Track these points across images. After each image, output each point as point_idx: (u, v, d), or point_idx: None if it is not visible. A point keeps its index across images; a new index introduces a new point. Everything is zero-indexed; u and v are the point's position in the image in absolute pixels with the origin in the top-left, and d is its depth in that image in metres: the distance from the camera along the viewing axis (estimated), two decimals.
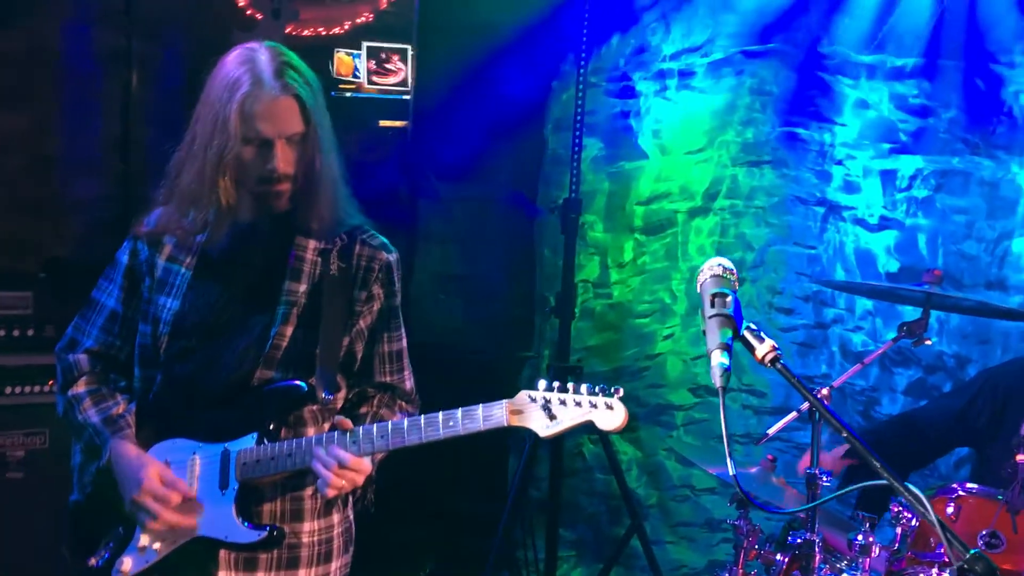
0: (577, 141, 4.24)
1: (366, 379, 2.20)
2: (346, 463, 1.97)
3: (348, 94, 4.77)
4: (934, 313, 4.24)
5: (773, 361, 1.44)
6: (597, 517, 4.77)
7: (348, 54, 4.53)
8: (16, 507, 3.56)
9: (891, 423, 3.72)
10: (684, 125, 4.56)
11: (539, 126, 4.74)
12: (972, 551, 1.22)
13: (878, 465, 1.29)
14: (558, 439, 4.32)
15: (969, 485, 2.80)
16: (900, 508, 2.79)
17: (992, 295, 4.15)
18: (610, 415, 1.90)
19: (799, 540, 2.70)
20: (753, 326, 1.48)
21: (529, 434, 1.95)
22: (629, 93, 4.67)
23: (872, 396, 4.33)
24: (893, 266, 4.24)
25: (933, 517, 1.24)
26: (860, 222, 4.32)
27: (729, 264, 1.58)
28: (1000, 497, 2.69)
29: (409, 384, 2.26)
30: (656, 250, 4.67)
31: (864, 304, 4.31)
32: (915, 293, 2.86)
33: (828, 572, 2.71)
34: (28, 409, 3.65)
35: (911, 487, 1.29)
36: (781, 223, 4.50)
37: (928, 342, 2.81)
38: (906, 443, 3.41)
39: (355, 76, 4.55)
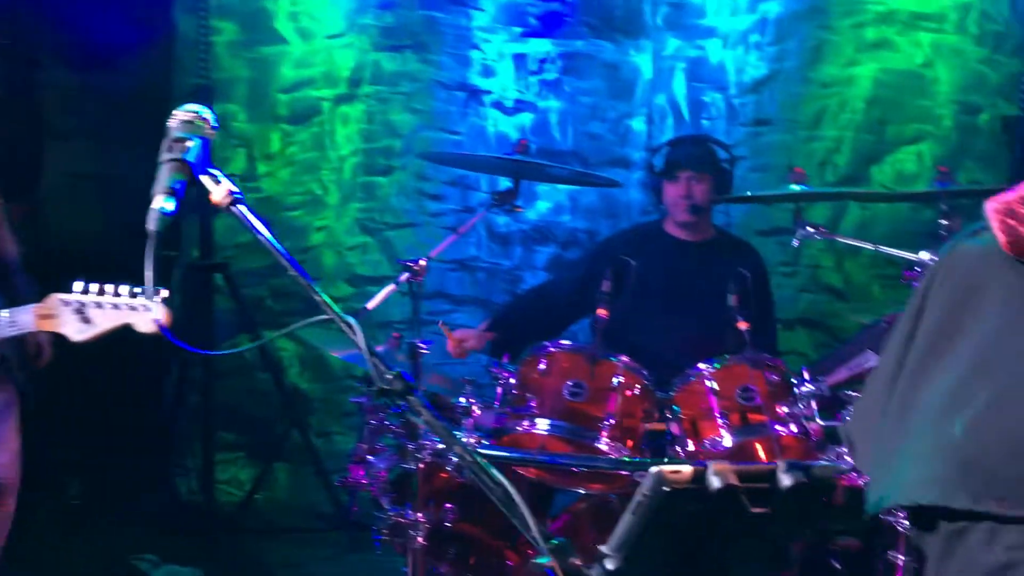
0: (204, 23, 4.01)
1: None
2: None
3: None
4: (567, 190, 4.49)
5: (230, 205, 1.42)
6: (261, 416, 4.70)
7: None
8: None
9: (525, 296, 3.89)
10: (322, 8, 4.41)
11: (167, 7, 4.40)
12: (394, 371, 1.26)
13: (319, 299, 1.31)
14: (209, 341, 4.22)
15: (563, 342, 2.96)
16: (499, 369, 2.92)
17: (617, 172, 4.43)
18: (149, 316, 1.89)
19: (400, 410, 2.76)
20: (215, 172, 1.44)
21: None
22: None
23: (517, 274, 4.53)
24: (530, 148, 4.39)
25: (363, 344, 1.26)
26: (498, 105, 4.43)
27: (207, 113, 1.52)
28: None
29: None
30: (304, 140, 4.54)
31: (506, 185, 4.44)
32: (505, 163, 2.96)
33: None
34: None
35: (346, 316, 1.31)
36: (426, 109, 4.51)
37: (519, 210, 2.92)
38: (540, 313, 3.57)
39: None
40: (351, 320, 1.31)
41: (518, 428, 2.84)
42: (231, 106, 4.46)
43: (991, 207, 1.32)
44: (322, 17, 4.42)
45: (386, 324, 4.61)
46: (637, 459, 2.77)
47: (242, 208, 1.41)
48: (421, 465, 2.75)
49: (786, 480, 1.02)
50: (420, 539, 2.70)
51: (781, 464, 1.05)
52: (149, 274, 1.36)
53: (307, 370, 4.74)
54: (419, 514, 2.71)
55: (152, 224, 1.38)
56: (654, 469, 1.01)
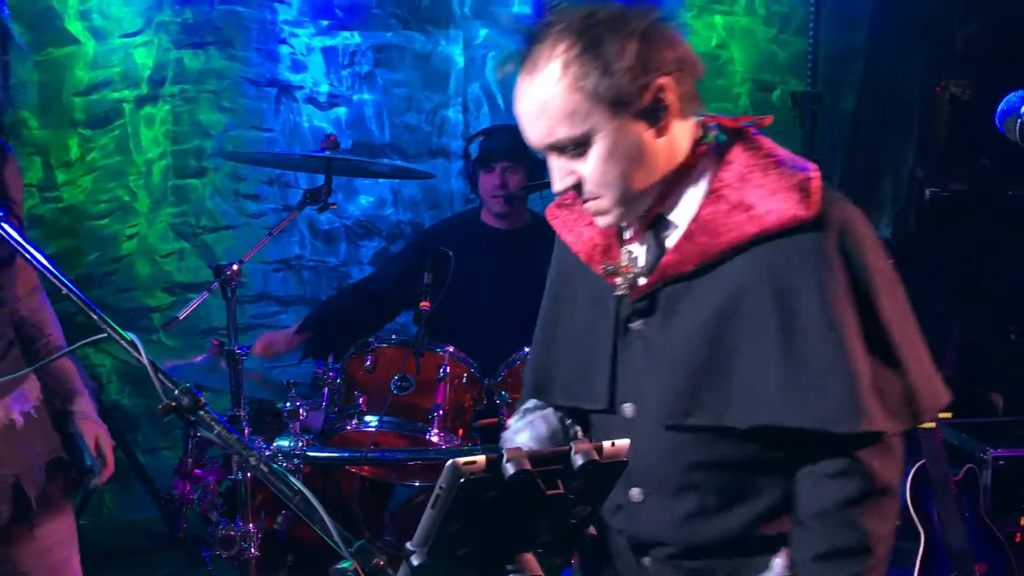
0: None
1: None
2: None
3: None
4: (388, 183, 4.46)
5: None
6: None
7: None
8: None
9: (344, 293, 3.83)
10: (115, 5, 4.19)
11: None
12: (182, 385, 1.22)
13: (96, 316, 1.25)
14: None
15: (392, 336, 2.95)
16: (324, 370, 2.88)
17: (437, 162, 4.44)
18: None
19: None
20: None
21: None
22: None
23: (343, 271, 4.47)
24: (347, 143, 4.34)
25: (145, 360, 1.21)
26: (311, 100, 4.34)
27: None
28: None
29: None
30: (106, 145, 4.31)
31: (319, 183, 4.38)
32: (312, 160, 2.91)
33: (261, 443, 2.73)
34: None
35: (128, 334, 1.26)
36: (236, 107, 4.37)
37: (333, 206, 2.87)
38: (360, 309, 3.51)
39: None
40: (132, 336, 1.25)
41: (348, 427, 2.82)
42: (21, 112, 4.17)
43: None
44: (115, 15, 4.20)
45: (212, 331, 4.46)
46: (468, 447, 2.81)
47: (4, 226, 1.32)
48: (249, 475, 2.69)
49: (578, 460, 1.06)
50: (253, 550, 2.64)
51: (573, 445, 1.08)
52: None
53: (127, 384, 4.52)
54: (251, 525, 2.64)
55: None
56: (449, 461, 1.03)
